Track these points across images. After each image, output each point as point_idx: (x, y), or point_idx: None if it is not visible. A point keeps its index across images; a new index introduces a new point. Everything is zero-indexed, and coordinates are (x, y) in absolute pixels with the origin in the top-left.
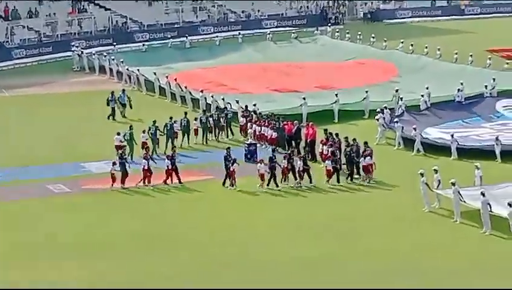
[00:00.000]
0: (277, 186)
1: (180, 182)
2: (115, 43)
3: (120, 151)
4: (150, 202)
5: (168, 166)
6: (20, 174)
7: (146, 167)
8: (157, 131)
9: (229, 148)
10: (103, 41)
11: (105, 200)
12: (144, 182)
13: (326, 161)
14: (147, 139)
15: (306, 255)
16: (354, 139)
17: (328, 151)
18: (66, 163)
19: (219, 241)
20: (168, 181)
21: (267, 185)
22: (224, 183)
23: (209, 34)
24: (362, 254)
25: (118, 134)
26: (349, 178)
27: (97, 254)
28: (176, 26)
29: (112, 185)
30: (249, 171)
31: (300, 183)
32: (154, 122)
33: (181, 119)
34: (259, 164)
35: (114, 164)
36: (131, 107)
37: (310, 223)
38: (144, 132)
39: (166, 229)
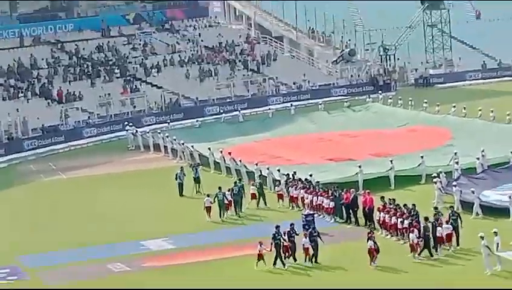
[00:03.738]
0: (431, 256)
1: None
2: (169, 121)
3: (275, 231)
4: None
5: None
6: (79, 256)
7: (307, 246)
8: (240, 190)
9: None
10: (157, 118)
11: (168, 277)
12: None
13: (411, 235)
14: (229, 200)
15: None
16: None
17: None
18: (124, 242)
19: None
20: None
21: (419, 254)
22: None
23: (262, 107)
24: None
25: (208, 195)
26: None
27: None
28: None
29: (257, 263)
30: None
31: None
32: (235, 183)
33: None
34: (411, 234)
35: (261, 244)
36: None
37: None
38: (226, 192)
39: None
